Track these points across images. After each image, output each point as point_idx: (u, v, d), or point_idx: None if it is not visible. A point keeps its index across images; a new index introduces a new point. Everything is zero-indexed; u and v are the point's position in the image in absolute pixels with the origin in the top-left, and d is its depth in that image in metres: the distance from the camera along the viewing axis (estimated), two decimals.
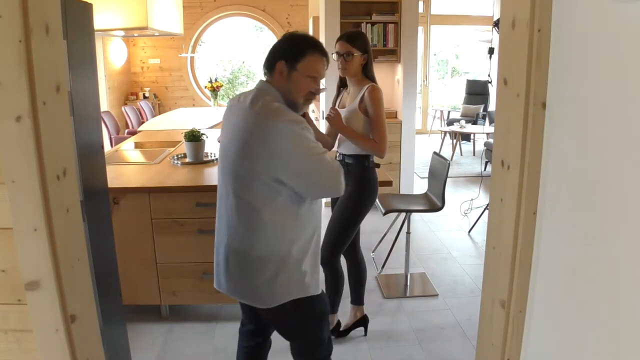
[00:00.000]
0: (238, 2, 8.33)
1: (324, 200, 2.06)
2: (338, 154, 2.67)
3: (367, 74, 2.55)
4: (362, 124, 2.49)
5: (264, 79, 1.73)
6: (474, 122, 8.16)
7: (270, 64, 1.69)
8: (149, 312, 3.02)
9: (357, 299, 2.84)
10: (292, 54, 1.65)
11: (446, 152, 7.47)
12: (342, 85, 2.69)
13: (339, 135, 2.64)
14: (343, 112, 2.54)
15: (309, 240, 1.72)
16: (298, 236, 1.68)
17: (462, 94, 9.38)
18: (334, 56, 2.45)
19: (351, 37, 2.50)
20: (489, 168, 5.85)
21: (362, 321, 2.84)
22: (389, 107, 5.27)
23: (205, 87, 6.62)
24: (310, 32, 6.92)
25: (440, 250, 4.12)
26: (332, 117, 2.48)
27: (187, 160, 3.26)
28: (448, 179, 3.39)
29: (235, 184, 1.66)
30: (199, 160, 3.24)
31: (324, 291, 1.85)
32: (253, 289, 1.70)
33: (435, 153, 3.64)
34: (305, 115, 2.38)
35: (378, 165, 2.63)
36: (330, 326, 2.64)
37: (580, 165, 1.02)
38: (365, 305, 2.87)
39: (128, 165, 3.38)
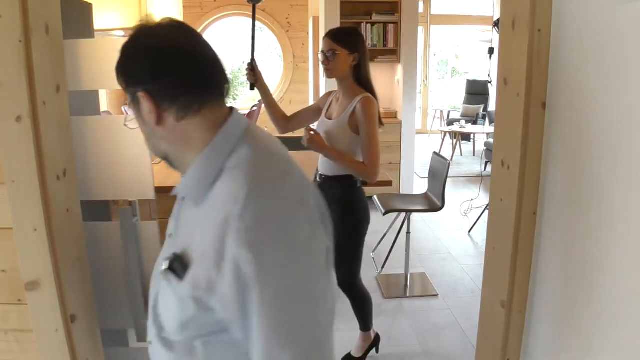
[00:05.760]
0: (238, 2, 8.31)
1: None
2: (318, 174, 2.27)
3: (358, 79, 2.11)
4: (349, 141, 2.09)
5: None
6: (474, 122, 8.16)
7: None
8: None
9: (365, 325, 2.55)
10: None
11: (446, 152, 7.47)
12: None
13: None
14: (329, 125, 2.15)
15: None
16: None
17: (462, 94, 9.38)
18: (320, 55, 2.13)
19: (336, 34, 2.11)
20: (489, 168, 5.85)
21: (374, 343, 2.63)
22: (388, 107, 5.28)
23: None
24: (310, 32, 6.92)
25: (440, 250, 4.12)
26: (311, 140, 2.04)
27: None
28: (448, 179, 3.39)
29: None
30: None
31: None
32: None
33: (435, 153, 3.64)
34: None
35: (365, 183, 2.24)
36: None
37: (580, 165, 1.02)
38: None
39: None
